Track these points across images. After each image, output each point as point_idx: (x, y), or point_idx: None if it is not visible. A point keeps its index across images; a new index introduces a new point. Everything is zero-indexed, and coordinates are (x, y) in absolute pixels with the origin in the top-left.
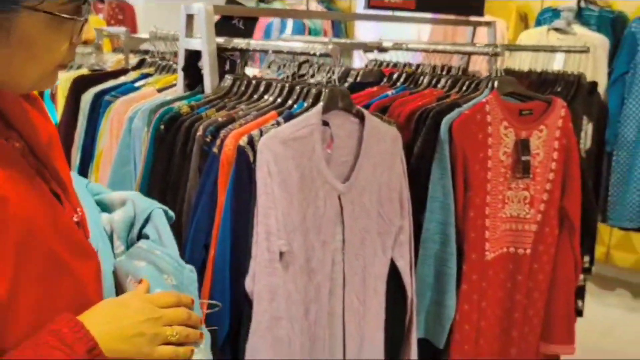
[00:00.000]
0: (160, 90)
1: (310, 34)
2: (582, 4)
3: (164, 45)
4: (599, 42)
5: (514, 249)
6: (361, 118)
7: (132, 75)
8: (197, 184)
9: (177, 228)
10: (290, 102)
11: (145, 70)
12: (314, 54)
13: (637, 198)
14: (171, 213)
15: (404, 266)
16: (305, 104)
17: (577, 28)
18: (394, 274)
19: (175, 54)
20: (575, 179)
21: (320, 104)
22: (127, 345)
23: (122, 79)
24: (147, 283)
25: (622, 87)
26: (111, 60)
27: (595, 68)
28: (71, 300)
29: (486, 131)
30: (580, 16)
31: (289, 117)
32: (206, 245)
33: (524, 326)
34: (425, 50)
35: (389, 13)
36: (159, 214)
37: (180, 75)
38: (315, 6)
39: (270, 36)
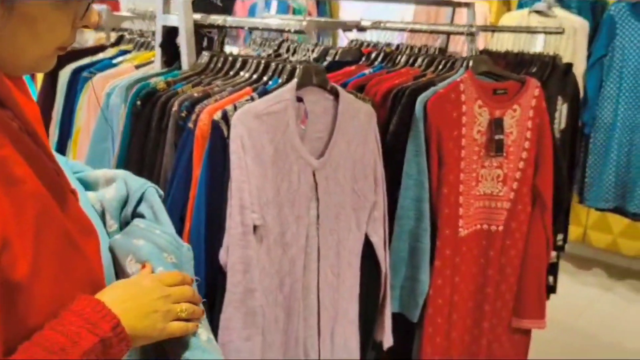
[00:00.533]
0: (138, 67)
1: (294, 14)
2: None
3: (143, 22)
4: (579, 25)
5: (487, 226)
6: (335, 95)
7: (110, 51)
8: (173, 158)
9: None
10: (265, 78)
11: (123, 47)
12: (289, 31)
13: (613, 179)
14: (160, 191)
15: (377, 241)
16: (280, 80)
17: (558, 11)
18: (368, 250)
19: (154, 32)
20: (548, 158)
21: (295, 80)
22: (144, 322)
23: (100, 56)
24: (151, 266)
25: (600, 70)
26: (92, 39)
27: (575, 51)
28: (83, 277)
29: (460, 110)
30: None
31: (263, 93)
32: (181, 217)
33: (496, 301)
34: (403, 30)
35: None
36: (152, 192)
37: (157, 51)
38: None
39: (254, 16)
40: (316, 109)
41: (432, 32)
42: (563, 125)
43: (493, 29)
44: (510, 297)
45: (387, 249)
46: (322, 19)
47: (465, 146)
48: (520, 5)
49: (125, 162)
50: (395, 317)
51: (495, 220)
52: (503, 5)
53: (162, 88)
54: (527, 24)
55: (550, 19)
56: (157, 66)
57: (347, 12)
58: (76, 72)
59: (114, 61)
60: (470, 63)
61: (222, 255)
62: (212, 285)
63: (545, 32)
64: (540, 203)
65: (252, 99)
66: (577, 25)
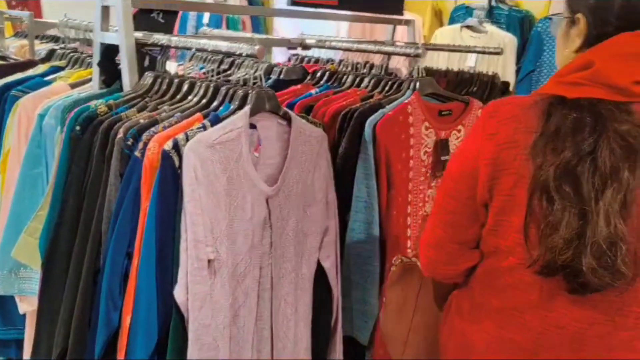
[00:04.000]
0: (73, 86)
1: (228, 23)
2: (493, 3)
3: (74, 33)
4: (508, 40)
5: None
6: (288, 120)
7: (40, 68)
8: (118, 189)
9: (96, 236)
10: (215, 103)
11: (55, 63)
12: (240, 54)
13: None
14: None
15: (330, 267)
16: (232, 106)
17: (489, 26)
18: (320, 275)
19: (88, 43)
20: None
21: (248, 107)
22: None
23: (30, 72)
24: None
25: (529, 84)
26: (13, 46)
27: (504, 65)
28: None
29: (408, 132)
30: (491, 14)
31: (216, 121)
32: (128, 254)
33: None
34: (349, 49)
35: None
36: None
37: (95, 70)
38: None
39: (186, 24)
40: (269, 135)
41: (378, 52)
42: None
43: (434, 48)
44: None
45: (339, 273)
46: (265, 36)
47: (413, 167)
48: (453, 19)
49: (64, 192)
50: (346, 339)
51: None
52: (435, 18)
53: (103, 112)
54: (460, 39)
55: (482, 34)
56: (95, 86)
57: (281, 23)
58: (3, 90)
59: (46, 79)
60: (417, 85)
61: (179, 293)
62: (165, 322)
63: (485, 52)
64: None
65: (204, 127)
66: (506, 40)
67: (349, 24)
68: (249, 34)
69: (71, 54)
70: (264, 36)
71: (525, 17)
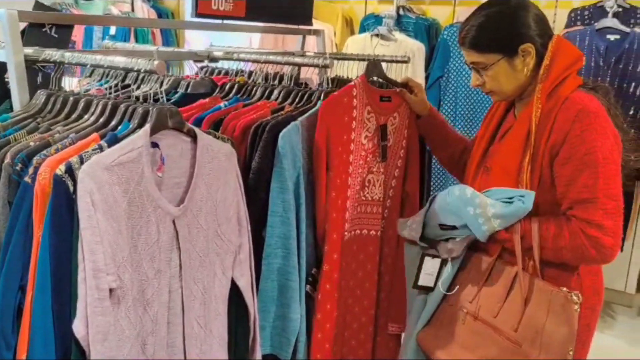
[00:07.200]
0: None
1: (136, 35)
2: (401, 12)
3: None
4: (417, 48)
5: (367, 231)
6: (193, 137)
7: None
8: (7, 219)
9: None
10: (114, 122)
11: None
12: (138, 70)
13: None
14: None
15: (245, 285)
16: (131, 125)
17: (398, 34)
18: (235, 294)
19: None
20: (416, 166)
21: (148, 125)
22: None
23: None
24: None
25: (438, 90)
26: None
27: (414, 72)
28: None
29: (351, 114)
30: (400, 23)
31: (114, 141)
32: (21, 287)
33: (382, 306)
34: (257, 61)
35: (219, 21)
36: None
37: None
38: (140, 5)
39: (92, 36)
40: (173, 154)
41: (286, 63)
42: None
43: (342, 57)
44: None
45: (254, 292)
46: (170, 49)
47: (354, 151)
48: (363, 28)
49: None
50: (266, 357)
51: (373, 225)
52: (347, 27)
53: None
54: (370, 47)
55: (391, 42)
56: None
57: (193, 34)
58: None
59: None
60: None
61: (78, 327)
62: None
63: (393, 61)
64: (409, 206)
65: (101, 148)
66: (415, 48)
67: (260, 35)
68: (151, 47)
69: None
70: (169, 49)
71: (431, 25)
